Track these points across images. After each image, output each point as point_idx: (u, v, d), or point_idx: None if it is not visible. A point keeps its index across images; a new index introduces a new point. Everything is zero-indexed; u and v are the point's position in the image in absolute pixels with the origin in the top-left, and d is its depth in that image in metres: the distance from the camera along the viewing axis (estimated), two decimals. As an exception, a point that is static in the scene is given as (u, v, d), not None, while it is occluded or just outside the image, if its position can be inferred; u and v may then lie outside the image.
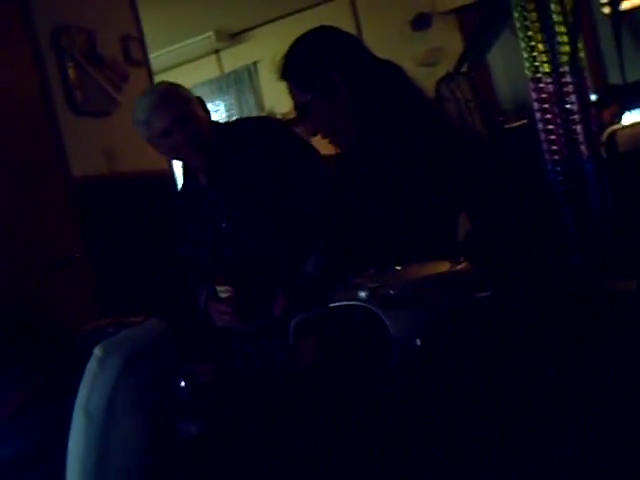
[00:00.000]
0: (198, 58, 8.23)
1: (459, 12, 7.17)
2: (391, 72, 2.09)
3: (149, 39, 4.61)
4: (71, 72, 3.84)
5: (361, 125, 2.07)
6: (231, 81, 8.40)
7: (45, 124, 3.67)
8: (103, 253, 3.73)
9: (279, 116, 6.76)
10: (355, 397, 1.54)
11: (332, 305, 1.60)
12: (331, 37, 2.15)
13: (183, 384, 1.70)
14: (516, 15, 2.31)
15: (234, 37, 8.17)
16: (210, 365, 1.85)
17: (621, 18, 2.35)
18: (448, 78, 6.39)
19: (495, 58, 6.54)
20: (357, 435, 1.50)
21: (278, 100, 6.85)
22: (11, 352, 1.52)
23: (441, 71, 6.57)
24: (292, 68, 2.13)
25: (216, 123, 2.69)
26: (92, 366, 1.29)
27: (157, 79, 4.65)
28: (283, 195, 2.49)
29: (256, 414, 1.64)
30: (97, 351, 1.30)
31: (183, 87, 2.67)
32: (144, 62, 4.51)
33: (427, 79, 2.40)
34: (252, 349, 2.29)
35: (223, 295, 2.44)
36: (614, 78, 5.89)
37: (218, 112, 8.40)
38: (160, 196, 4.25)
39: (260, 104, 8.01)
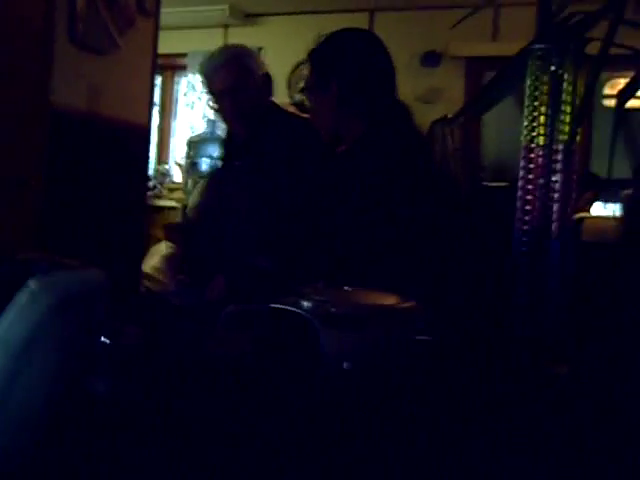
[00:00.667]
0: (206, 27, 8.18)
1: (468, 60, 7.25)
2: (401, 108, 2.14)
3: (164, -7, 4.58)
4: (79, 3, 3.77)
5: (352, 135, 2.09)
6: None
7: (40, 48, 3.60)
8: (60, 188, 3.67)
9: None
10: (271, 401, 1.53)
11: (273, 305, 1.60)
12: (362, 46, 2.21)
13: (104, 340, 1.68)
14: (529, 82, 2.33)
15: (247, 17, 8.15)
16: (137, 329, 1.82)
17: (623, 115, 2.39)
18: (444, 121, 6.45)
19: (490, 116, 6.61)
20: (262, 435, 1.49)
21: (275, 89, 6.86)
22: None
23: (436, 111, 6.62)
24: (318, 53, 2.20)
25: (275, 106, 2.68)
26: (22, 297, 1.26)
27: (161, 35, 4.61)
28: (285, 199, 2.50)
29: (168, 390, 1.62)
30: (31, 284, 1.27)
31: (257, 57, 2.68)
32: (154, 14, 4.45)
33: (421, 115, 2.43)
34: (182, 325, 2.28)
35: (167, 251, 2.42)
36: (596, 167, 6.01)
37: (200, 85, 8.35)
38: (130, 147, 4.22)
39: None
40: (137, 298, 2.36)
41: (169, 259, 2.37)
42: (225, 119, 2.67)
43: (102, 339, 1.65)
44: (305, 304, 1.54)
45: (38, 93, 3.59)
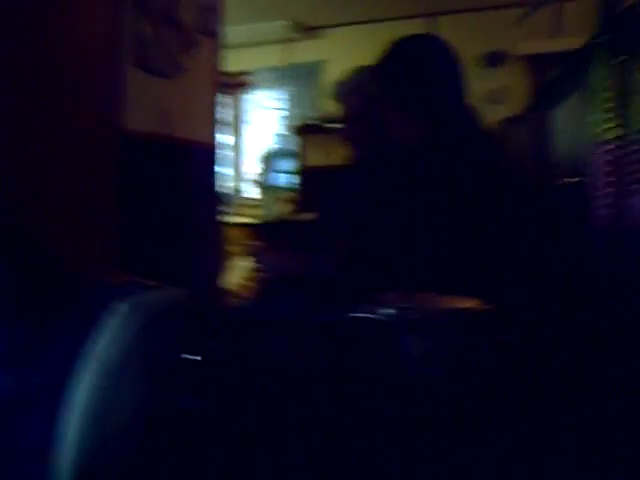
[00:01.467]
0: (267, 43, 8.27)
1: (533, 58, 7.18)
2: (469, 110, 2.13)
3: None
4: (146, 29, 3.87)
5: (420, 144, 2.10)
6: (294, 73, 8.43)
7: (111, 75, 3.70)
8: (134, 211, 3.75)
9: (334, 117, 6.80)
10: (355, 410, 1.54)
11: (353, 315, 1.61)
12: (430, 53, 2.21)
13: (193, 358, 1.71)
14: (596, 75, 2.31)
15: (308, 30, 8.21)
16: (222, 345, 1.85)
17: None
18: (513, 120, 6.39)
19: (558, 112, 6.54)
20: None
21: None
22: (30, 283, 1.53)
23: (501, 111, 6.57)
24: (382, 72, 2.20)
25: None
26: (114, 320, 1.31)
27: (227, 54, 4.68)
28: None
29: (257, 406, 1.65)
30: (121, 306, 1.31)
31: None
32: (217, 34, 4.54)
33: (487, 116, 2.42)
34: (265, 339, 2.30)
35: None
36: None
37: (274, 102, 8.43)
38: (199, 166, 4.30)
39: (319, 102, 8.03)
40: (219, 314, 2.39)
41: (250, 274, 2.40)
42: (350, 141, 2.69)
43: (189, 356, 1.69)
44: (385, 311, 1.55)
45: (108, 119, 3.69)
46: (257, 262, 2.49)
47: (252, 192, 8.06)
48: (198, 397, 1.61)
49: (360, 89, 2.61)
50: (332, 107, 7.42)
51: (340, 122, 2.83)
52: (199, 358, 1.62)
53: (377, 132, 2.36)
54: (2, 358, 1.36)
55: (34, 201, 3.31)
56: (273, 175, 7.50)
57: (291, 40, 8.32)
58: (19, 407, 1.36)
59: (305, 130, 7.32)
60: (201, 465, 1.61)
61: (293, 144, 7.51)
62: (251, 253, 2.73)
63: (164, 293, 1.58)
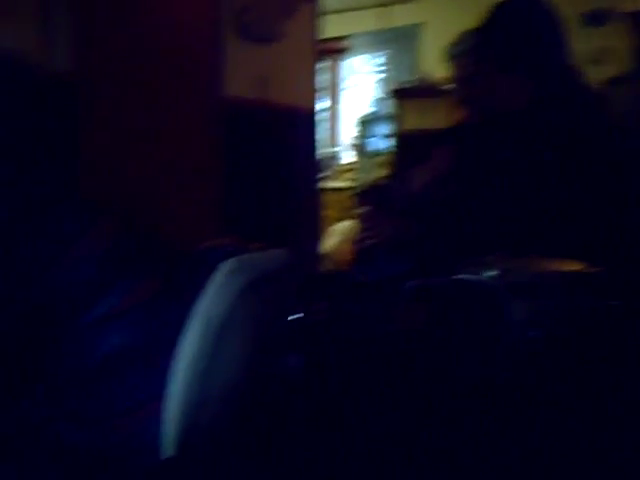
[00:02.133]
0: (366, 8, 8.20)
1: (636, 15, 6.92)
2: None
3: (322, -22, 4.63)
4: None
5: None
6: (392, 37, 8.33)
7: (211, 42, 3.74)
8: (237, 177, 3.80)
9: (433, 81, 6.74)
10: (456, 374, 1.53)
11: (456, 277, 1.60)
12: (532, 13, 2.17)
13: (294, 317, 1.73)
14: None
15: (406, -7, 8.11)
16: (325, 304, 1.87)
17: None
18: (616, 81, 6.18)
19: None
20: (450, 410, 1.50)
21: (436, 65, 6.80)
22: (143, 245, 1.58)
23: (604, 71, 6.36)
24: (485, 34, 2.16)
25: None
26: (219, 278, 1.33)
27: (323, 20, 4.67)
28: None
29: (359, 364, 1.66)
30: (226, 265, 1.34)
31: None
32: (315, 0, 4.53)
33: (590, 78, 2.34)
34: (365, 301, 2.31)
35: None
36: None
37: (371, 66, 8.38)
38: (299, 132, 4.31)
39: (417, 65, 7.93)
40: (320, 276, 2.41)
41: (349, 237, 2.41)
42: (466, 103, 2.66)
43: (291, 316, 1.71)
44: (490, 274, 1.54)
45: (211, 86, 3.73)
46: (364, 227, 2.49)
47: (349, 157, 8.06)
48: (300, 356, 1.64)
49: (471, 51, 2.57)
50: (430, 70, 7.35)
51: (452, 83, 2.80)
52: (301, 317, 1.65)
53: (485, 95, 2.32)
54: (119, 315, 1.41)
55: (142, 170, 3.39)
56: (370, 139, 7.47)
57: (388, 4, 8.23)
58: (134, 361, 1.41)
59: (402, 94, 7.25)
60: (300, 424, 1.63)
61: (390, 108, 7.46)
62: (357, 218, 2.73)
63: (267, 254, 1.60)
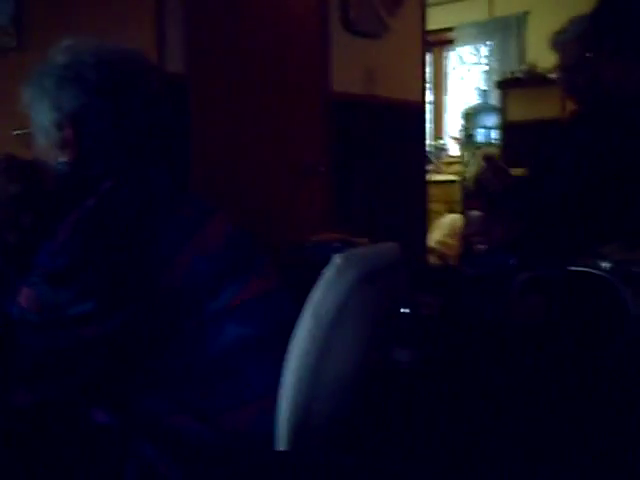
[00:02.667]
0: (470, -2, 8.10)
1: None
2: None
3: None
4: (352, -10, 3.92)
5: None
6: (498, 27, 8.19)
7: (318, 38, 3.77)
8: (345, 171, 3.82)
9: (540, 70, 6.61)
10: (578, 366, 1.51)
11: (571, 268, 1.57)
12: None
13: (406, 311, 1.73)
14: None
15: (512, -18, 7.96)
16: (436, 299, 1.86)
17: None
18: None
19: None
20: (569, 407, 1.48)
21: (542, 54, 6.67)
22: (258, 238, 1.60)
23: None
24: (595, 21, 2.10)
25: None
26: (330, 272, 1.34)
27: (428, 12, 4.64)
28: None
29: (469, 359, 1.65)
30: (337, 259, 1.35)
31: None
32: (421, -8, 4.51)
33: None
34: (477, 294, 2.29)
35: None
36: None
37: (476, 57, 8.26)
38: (407, 125, 4.30)
39: (523, 55, 7.78)
40: (429, 270, 2.40)
41: (456, 231, 2.39)
42: (573, 92, 2.61)
43: (402, 310, 1.71)
44: (605, 265, 1.50)
45: (319, 81, 3.76)
46: (475, 231, 2.46)
47: (454, 149, 7.98)
48: (412, 350, 1.64)
49: (577, 39, 2.51)
50: (536, 59, 7.21)
51: (558, 72, 2.74)
52: (411, 311, 1.65)
53: (594, 83, 2.26)
54: (238, 307, 1.44)
55: (252, 166, 3.45)
56: (475, 131, 7.37)
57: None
58: (250, 355, 1.44)
59: (507, 84, 7.14)
60: (413, 418, 1.63)
61: (495, 99, 7.36)
62: (464, 214, 2.71)
63: (378, 248, 1.61)
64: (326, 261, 1.38)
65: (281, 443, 1.35)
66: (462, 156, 7.46)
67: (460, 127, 7.70)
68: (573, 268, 1.55)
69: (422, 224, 4.37)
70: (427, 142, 5.16)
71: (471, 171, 3.42)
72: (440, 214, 5.63)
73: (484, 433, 1.59)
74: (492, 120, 7.37)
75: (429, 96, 8.03)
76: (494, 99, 7.57)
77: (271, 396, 1.38)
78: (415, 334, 1.74)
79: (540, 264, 1.74)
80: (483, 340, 1.69)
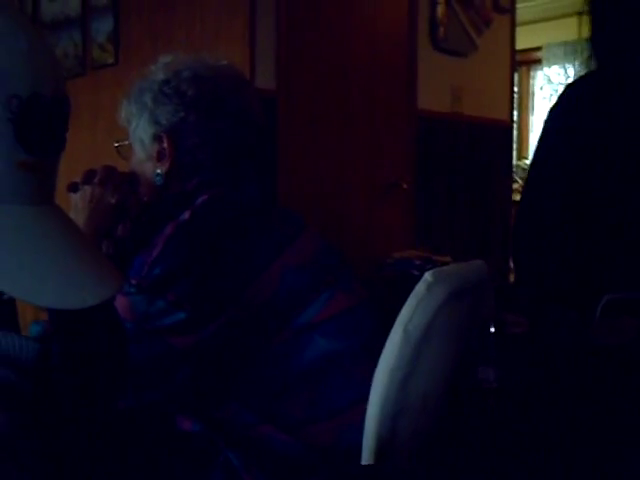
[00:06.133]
0: (559, 18, 7.99)
1: None
2: None
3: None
4: (440, 9, 3.92)
5: None
6: (585, 47, 8.08)
7: (405, 55, 3.79)
8: (429, 188, 3.82)
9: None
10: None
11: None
12: None
13: (493, 330, 1.72)
14: None
15: (603, 2, 7.83)
16: (524, 319, 1.84)
17: None
18: None
19: None
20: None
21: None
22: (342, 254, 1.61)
23: None
24: None
25: None
26: (420, 289, 1.34)
27: (517, 31, 4.61)
28: None
29: (554, 383, 1.62)
30: (427, 276, 1.35)
31: None
32: (510, 10, 4.48)
33: None
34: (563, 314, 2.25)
35: None
36: None
37: (565, 76, 8.16)
38: (494, 144, 4.27)
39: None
40: (513, 289, 2.37)
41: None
42: None
43: (490, 328, 1.70)
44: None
45: (405, 98, 3.78)
46: None
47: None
48: (498, 369, 1.63)
49: None
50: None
51: None
52: (497, 330, 1.63)
53: None
54: (324, 322, 1.45)
55: (336, 182, 3.47)
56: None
57: (581, 13, 7.98)
58: (336, 368, 1.45)
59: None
60: (497, 437, 1.62)
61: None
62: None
63: (467, 266, 1.60)
64: (407, 278, 1.38)
65: (366, 457, 1.36)
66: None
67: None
68: None
69: (506, 244, 4.33)
70: (513, 162, 5.11)
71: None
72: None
73: (567, 457, 1.56)
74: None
75: (515, 115, 7.96)
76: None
77: (357, 410, 1.39)
78: (501, 353, 1.72)
79: (624, 285, 1.69)
80: (569, 361, 1.66)
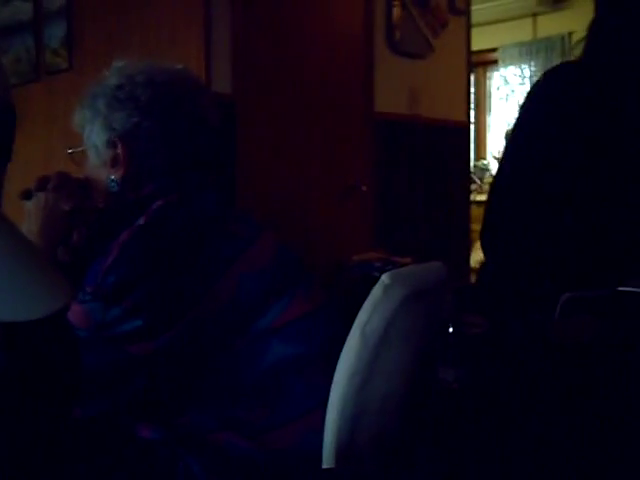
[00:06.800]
0: (514, 18, 8.08)
1: None
2: None
3: (476, -9, 4.62)
4: (395, 11, 3.94)
5: None
6: (542, 47, 8.17)
7: (362, 58, 3.80)
8: (387, 190, 3.83)
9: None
10: (626, 387, 1.49)
11: (621, 289, 1.55)
12: None
13: (451, 330, 1.73)
14: None
15: (556, 3, 7.92)
16: (483, 319, 1.85)
17: None
18: None
19: None
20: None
21: None
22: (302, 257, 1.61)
23: None
24: None
25: None
26: (377, 291, 1.35)
27: (473, 32, 4.65)
28: None
29: (515, 381, 1.63)
30: (384, 278, 1.35)
31: None
32: (465, 12, 4.52)
33: None
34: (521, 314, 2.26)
35: None
36: None
37: (522, 77, 8.24)
38: (451, 145, 4.30)
39: (567, 76, 7.75)
40: (473, 290, 2.39)
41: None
42: None
43: (448, 329, 1.71)
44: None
45: (363, 100, 3.79)
46: None
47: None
48: (458, 369, 1.63)
49: None
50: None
51: None
52: (457, 330, 1.64)
53: None
54: (284, 326, 1.45)
55: (294, 185, 3.47)
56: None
57: (538, 14, 8.07)
58: (296, 372, 1.44)
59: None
60: (457, 436, 1.62)
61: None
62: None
63: (424, 267, 1.61)
64: (367, 280, 1.38)
65: (327, 461, 1.36)
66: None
67: (503, 147, 7.67)
68: (623, 288, 1.53)
69: (465, 244, 4.36)
70: (470, 162, 5.15)
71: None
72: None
73: (526, 455, 1.57)
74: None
75: (472, 116, 8.02)
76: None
77: (317, 415, 1.39)
78: (460, 353, 1.73)
79: (584, 284, 1.70)
80: (528, 360, 1.67)
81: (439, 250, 3.96)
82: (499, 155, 7.81)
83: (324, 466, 1.36)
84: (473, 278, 4.29)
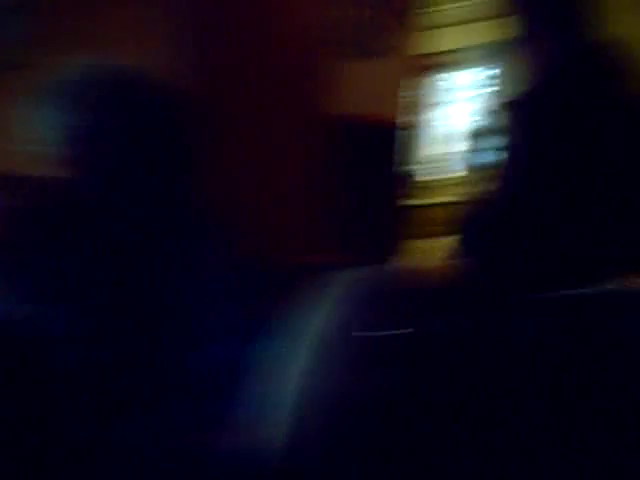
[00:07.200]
0: (471, 21, 8.11)
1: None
2: None
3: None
4: (347, 10, 3.94)
5: None
6: (503, 50, 8.23)
7: (311, 55, 3.80)
8: (344, 193, 3.84)
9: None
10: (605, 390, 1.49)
11: (607, 288, 1.54)
12: None
13: (399, 332, 1.73)
14: None
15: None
16: (429, 319, 1.86)
17: None
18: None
19: None
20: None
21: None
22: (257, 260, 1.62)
23: None
24: None
25: None
26: (326, 294, 1.36)
27: (427, 34, 4.65)
28: None
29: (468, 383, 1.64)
30: (334, 281, 1.36)
31: None
32: (421, 14, 4.52)
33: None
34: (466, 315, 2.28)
35: None
36: None
37: (482, 79, 8.29)
38: (405, 149, 4.31)
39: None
40: (422, 292, 2.40)
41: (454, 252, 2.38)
42: None
43: (396, 331, 1.72)
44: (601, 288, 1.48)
45: (312, 102, 3.79)
46: None
47: (454, 171, 7.97)
48: (405, 372, 1.64)
49: None
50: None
51: None
52: (406, 333, 1.65)
53: None
54: (241, 327, 1.45)
55: (250, 186, 3.47)
56: (477, 153, 7.39)
57: (500, 16, 8.09)
58: (242, 372, 1.45)
59: (511, 107, 7.15)
60: (405, 439, 1.63)
61: (500, 121, 7.38)
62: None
63: (372, 270, 1.62)
64: (319, 282, 1.38)
65: (276, 460, 1.36)
66: (465, 177, 7.46)
67: (464, 148, 7.71)
68: (609, 288, 1.53)
69: (404, 245, 4.38)
70: (426, 163, 5.17)
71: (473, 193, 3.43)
72: (441, 235, 5.62)
73: (477, 459, 1.58)
74: (496, 142, 7.39)
75: (430, 117, 8.05)
76: (499, 121, 7.59)
77: (269, 411, 1.40)
78: (412, 354, 1.74)
79: (569, 283, 1.70)
80: (480, 362, 1.69)
81: (388, 250, 3.97)
82: (460, 155, 7.86)
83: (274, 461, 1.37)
84: (428, 280, 4.30)
